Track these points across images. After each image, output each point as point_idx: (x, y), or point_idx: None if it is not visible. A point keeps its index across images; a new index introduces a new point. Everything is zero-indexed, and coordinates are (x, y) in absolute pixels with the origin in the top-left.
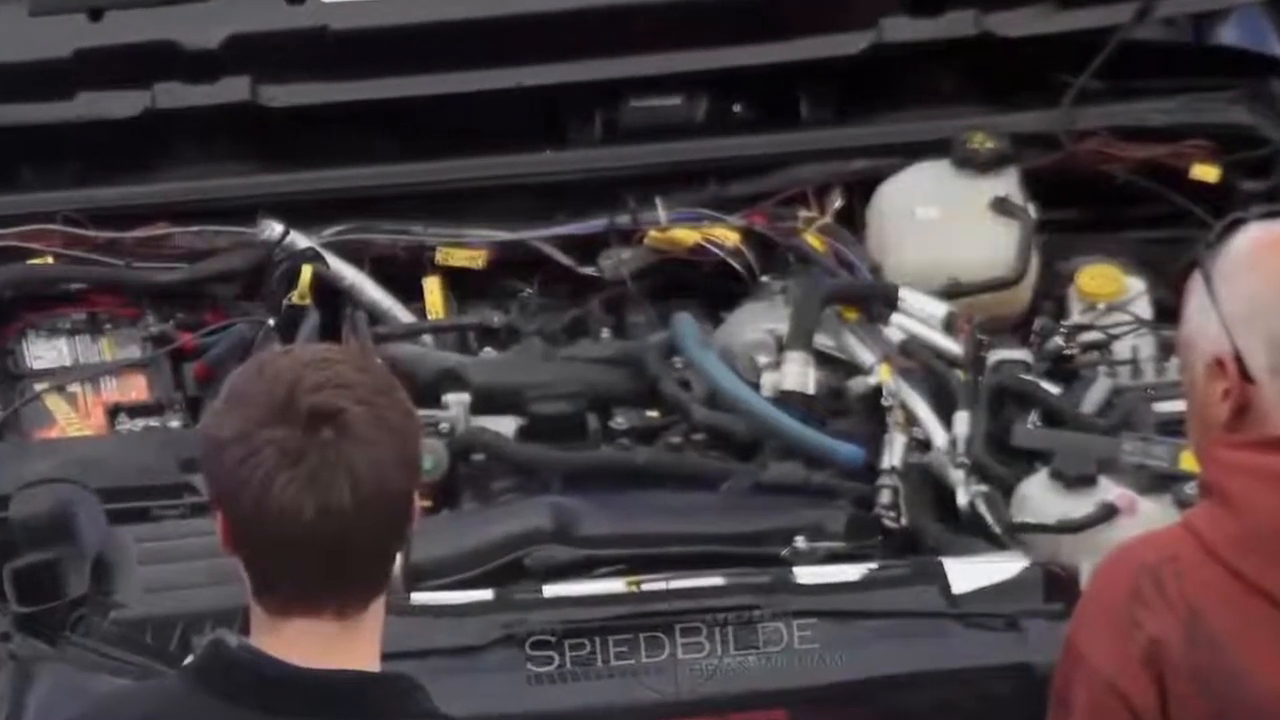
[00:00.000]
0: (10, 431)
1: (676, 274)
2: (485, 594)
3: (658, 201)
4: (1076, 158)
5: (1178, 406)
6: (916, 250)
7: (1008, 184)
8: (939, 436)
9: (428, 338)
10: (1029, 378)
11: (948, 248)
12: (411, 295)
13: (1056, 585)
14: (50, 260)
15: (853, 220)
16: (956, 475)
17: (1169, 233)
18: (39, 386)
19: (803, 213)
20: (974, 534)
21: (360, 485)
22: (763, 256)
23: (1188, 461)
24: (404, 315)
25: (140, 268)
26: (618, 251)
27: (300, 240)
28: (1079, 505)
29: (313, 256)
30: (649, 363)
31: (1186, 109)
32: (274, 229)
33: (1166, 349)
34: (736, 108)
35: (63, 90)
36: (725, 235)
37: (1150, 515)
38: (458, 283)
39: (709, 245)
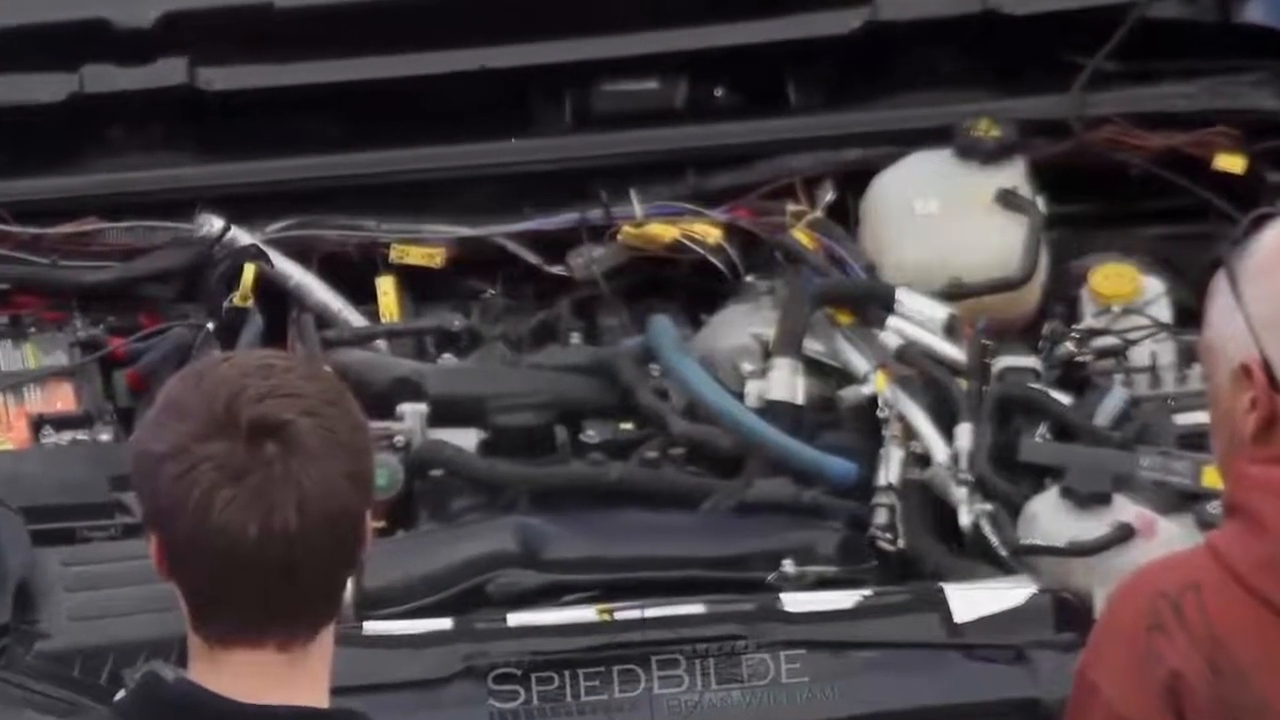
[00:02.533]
0: None
1: (653, 273)
2: (444, 623)
3: (633, 194)
4: (1089, 147)
5: (1200, 418)
6: (915, 248)
7: (1014, 175)
8: (939, 451)
9: (381, 343)
10: (1037, 387)
11: (949, 245)
12: (363, 296)
13: (1068, 613)
14: None
15: (846, 215)
16: (959, 493)
17: (1190, 228)
18: None
19: (791, 206)
20: (978, 557)
21: (308, 504)
22: (747, 254)
23: (1211, 478)
24: (355, 318)
25: (67, 267)
26: (589, 249)
27: (242, 237)
28: (1092, 526)
29: (255, 254)
30: (623, 370)
31: (1209, 93)
32: (213, 224)
33: (1188, 355)
34: (718, 92)
35: None
36: (706, 231)
37: (1170, 537)
38: (414, 283)
39: (688, 242)
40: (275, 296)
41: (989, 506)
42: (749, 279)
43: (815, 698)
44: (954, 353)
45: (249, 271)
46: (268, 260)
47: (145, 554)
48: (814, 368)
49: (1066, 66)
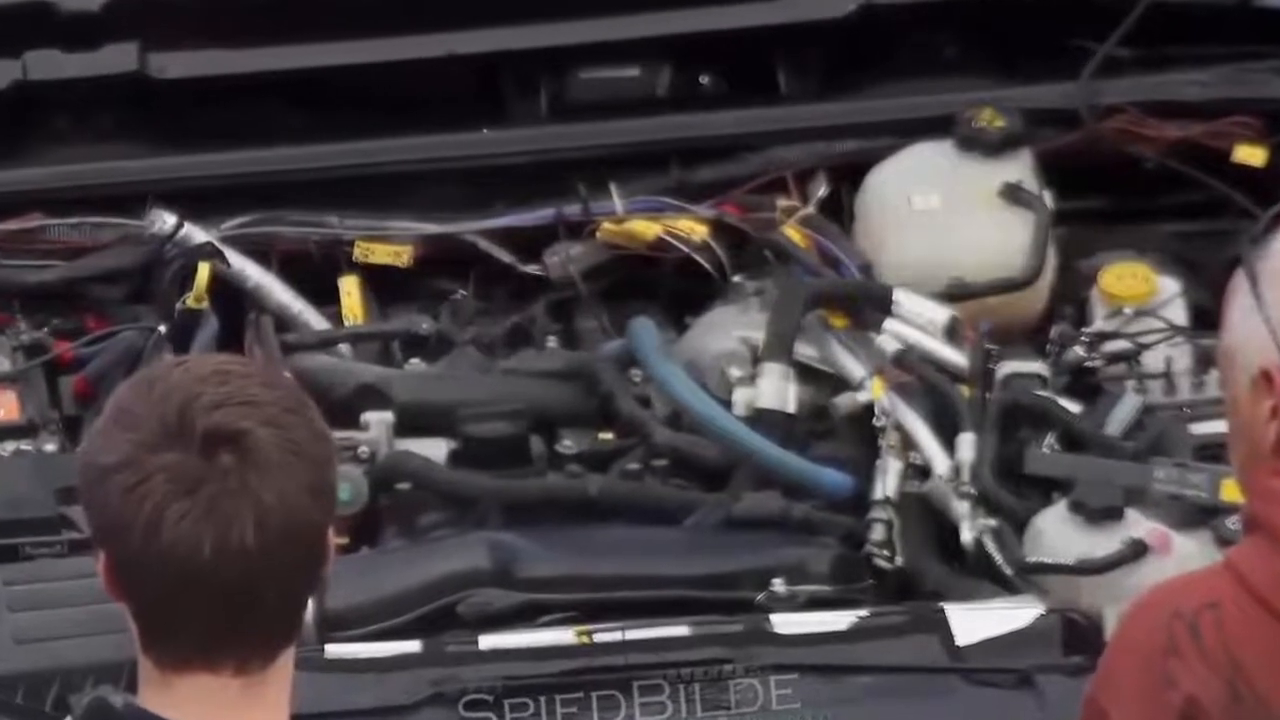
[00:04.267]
0: None
1: (634, 273)
2: (412, 645)
3: (613, 189)
4: (1100, 138)
5: (1218, 427)
6: (914, 245)
7: (1020, 168)
8: (940, 462)
9: (344, 347)
10: (1045, 394)
11: (950, 243)
12: (325, 297)
13: (1076, 635)
14: None
15: (840, 211)
16: (960, 507)
17: (1208, 225)
18: None
19: (781, 202)
20: (980, 576)
21: (266, 519)
22: (735, 253)
23: (1230, 491)
24: (317, 321)
25: (9, 266)
26: (566, 247)
27: (196, 234)
28: (1103, 542)
29: (211, 253)
30: (602, 376)
31: (1228, 80)
32: (166, 221)
33: (1205, 360)
34: (704, 79)
35: None
36: (691, 228)
37: (1186, 554)
38: (379, 283)
39: (672, 240)
40: (231, 298)
41: (993, 522)
42: (737, 279)
43: None
44: (955, 358)
45: (203, 271)
46: (224, 259)
47: (93, 572)
48: (806, 374)
49: (1076, 52)
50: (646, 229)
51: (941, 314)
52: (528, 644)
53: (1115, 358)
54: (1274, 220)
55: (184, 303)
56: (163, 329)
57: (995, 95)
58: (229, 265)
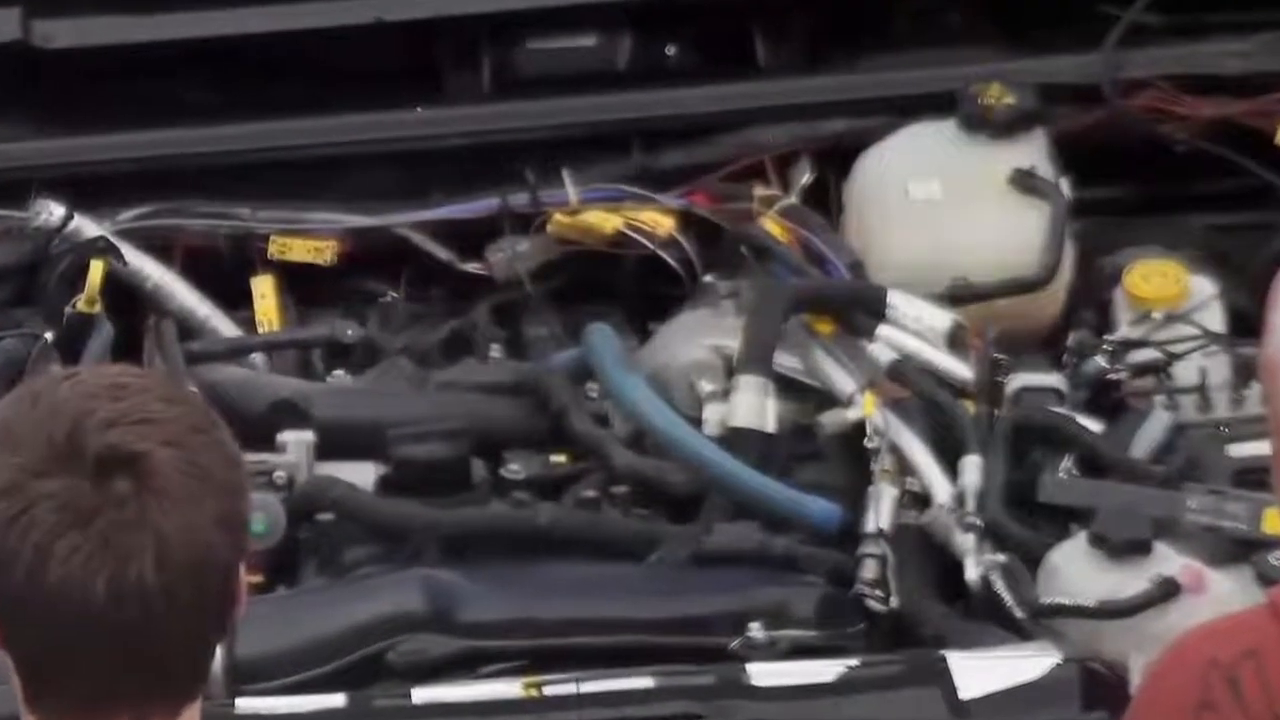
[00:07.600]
0: None
1: (590, 272)
2: (335, 699)
3: (565, 175)
4: (1125, 116)
5: (1260, 449)
6: (911, 241)
7: (1032, 152)
8: (941, 489)
9: (258, 357)
10: (1061, 411)
11: (952, 237)
12: (236, 300)
13: (1098, 688)
14: None
15: (826, 200)
16: (965, 541)
17: (1248, 216)
18: None
19: (759, 190)
20: (988, 619)
21: (168, 554)
22: (706, 249)
23: (1273, 522)
24: (227, 327)
25: None
26: (512, 242)
27: (88, 227)
28: (1128, 581)
29: (105, 248)
30: (554, 391)
31: (1272, 51)
32: (53, 212)
33: (1244, 372)
34: (670, 50)
35: None
36: (656, 220)
37: (1223, 594)
38: (298, 284)
39: (634, 234)
40: (129, 300)
41: (1002, 558)
42: (708, 279)
43: None
44: (959, 369)
45: (96, 270)
46: (119, 256)
47: None
48: (788, 387)
49: (1096, 18)
50: (604, 221)
51: (943, 319)
52: (468, 698)
53: (1142, 369)
54: None
55: (74, 306)
56: (49, 336)
57: (1004, 68)
58: (125, 263)
